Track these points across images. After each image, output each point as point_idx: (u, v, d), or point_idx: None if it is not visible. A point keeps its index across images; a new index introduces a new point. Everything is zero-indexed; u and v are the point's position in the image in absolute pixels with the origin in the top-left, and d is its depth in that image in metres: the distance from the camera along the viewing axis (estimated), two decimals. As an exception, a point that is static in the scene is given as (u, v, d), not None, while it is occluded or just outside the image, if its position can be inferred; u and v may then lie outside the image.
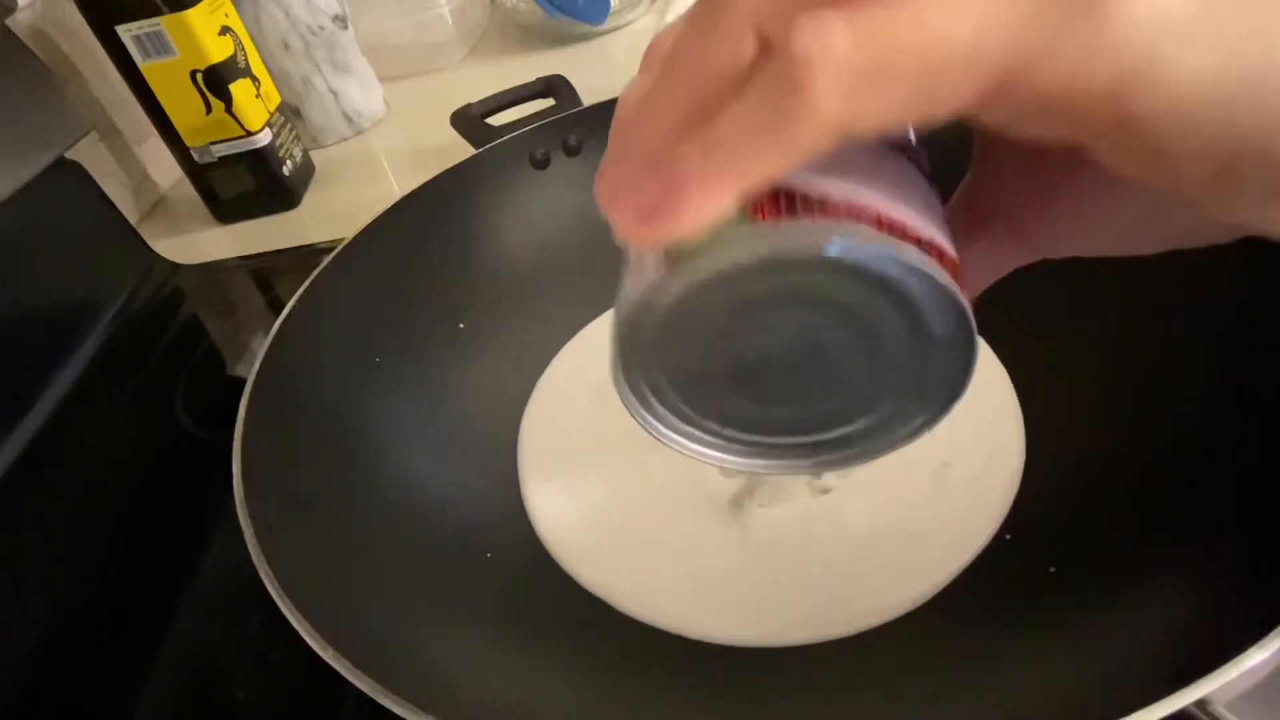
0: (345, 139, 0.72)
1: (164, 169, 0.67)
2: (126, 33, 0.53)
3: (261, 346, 0.33)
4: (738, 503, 0.34)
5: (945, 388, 0.16)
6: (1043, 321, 0.36)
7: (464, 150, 0.45)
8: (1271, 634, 0.19)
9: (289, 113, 0.65)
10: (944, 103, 0.12)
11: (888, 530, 0.32)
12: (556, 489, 0.37)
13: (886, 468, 0.33)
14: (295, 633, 0.23)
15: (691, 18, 0.13)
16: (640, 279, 0.15)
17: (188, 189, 0.62)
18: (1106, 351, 0.34)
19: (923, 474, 0.34)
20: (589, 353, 0.43)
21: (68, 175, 0.53)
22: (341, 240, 0.39)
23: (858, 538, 0.32)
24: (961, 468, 0.33)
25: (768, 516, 0.33)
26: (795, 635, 0.29)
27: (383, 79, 0.74)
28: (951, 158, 0.19)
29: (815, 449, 0.18)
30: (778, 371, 0.17)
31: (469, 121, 0.52)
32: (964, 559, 0.30)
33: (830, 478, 0.34)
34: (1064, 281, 0.36)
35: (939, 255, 0.15)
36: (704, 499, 0.35)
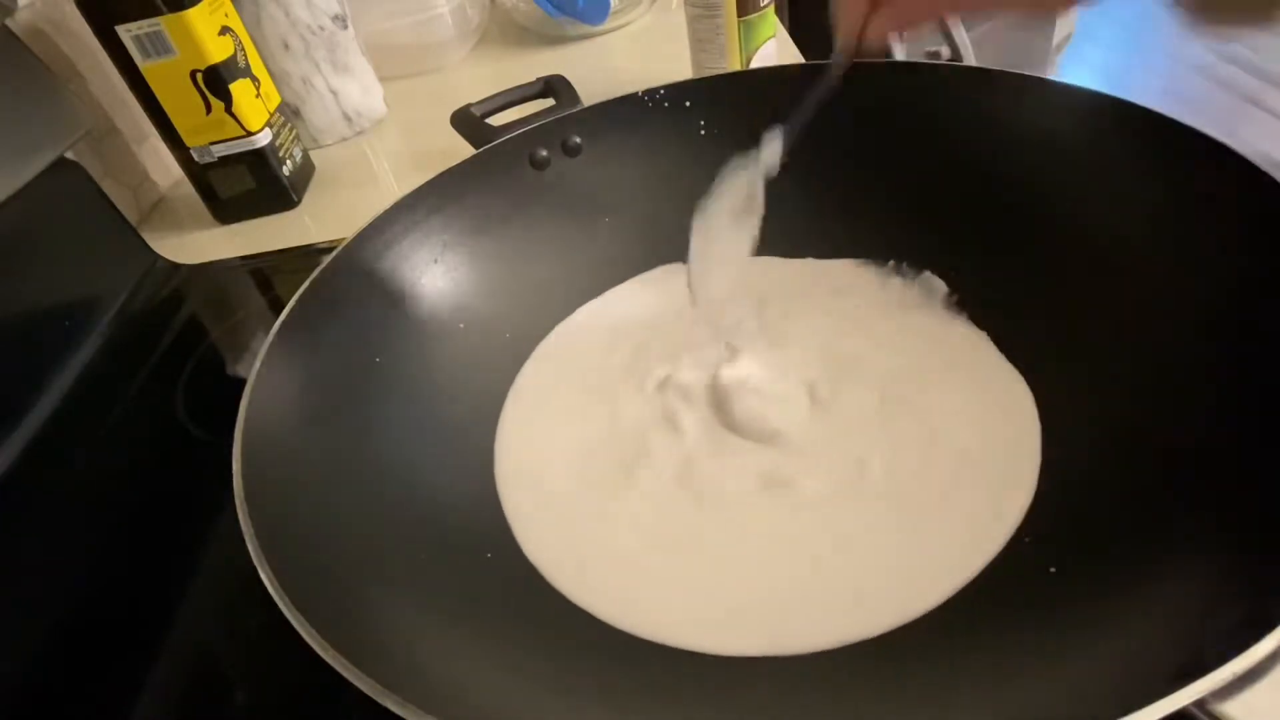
0: (345, 139, 0.72)
1: (164, 169, 0.67)
2: (126, 33, 0.53)
3: (261, 346, 0.33)
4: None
5: None
6: (1060, 335, 0.36)
7: (464, 150, 0.45)
8: (1271, 634, 0.19)
9: (289, 113, 0.65)
10: None
11: (890, 541, 0.32)
12: (531, 493, 0.36)
13: (899, 475, 0.33)
14: (295, 633, 0.23)
15: None
16: None
17: (188, 189, 0.62)
18: (1118, 359, 0.34)
19: (935, 482, 0.33)
20: (572, 343, 0.44)
21: (68, 175, 0.53)
22: (341, 240, 0.39)
23: (860, 548, 0.32)
24: (974, 478, 0.33)
25: (764, 523, 0.33)
26: (792, 645, 0.29)
27: (383, 79, 0.74)
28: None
29: None
30: None
31: (469, 121, 0.52)
32: (971, 571, 0.30)
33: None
34: (1079, 290, 0.37)
35: None
36: (695, 499, 0.35)
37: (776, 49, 0.63)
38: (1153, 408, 0.31)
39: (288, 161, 0.62)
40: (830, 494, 0.34)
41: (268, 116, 0.60)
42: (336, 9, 0.66)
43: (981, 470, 0.33)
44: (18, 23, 0.53)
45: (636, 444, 0.37)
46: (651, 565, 0.33)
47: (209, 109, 0.56)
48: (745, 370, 0.39)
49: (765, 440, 0.36)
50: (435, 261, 0.42)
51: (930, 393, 0.37)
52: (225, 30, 0.56)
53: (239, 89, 0.57)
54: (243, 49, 0.58)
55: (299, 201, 0.63)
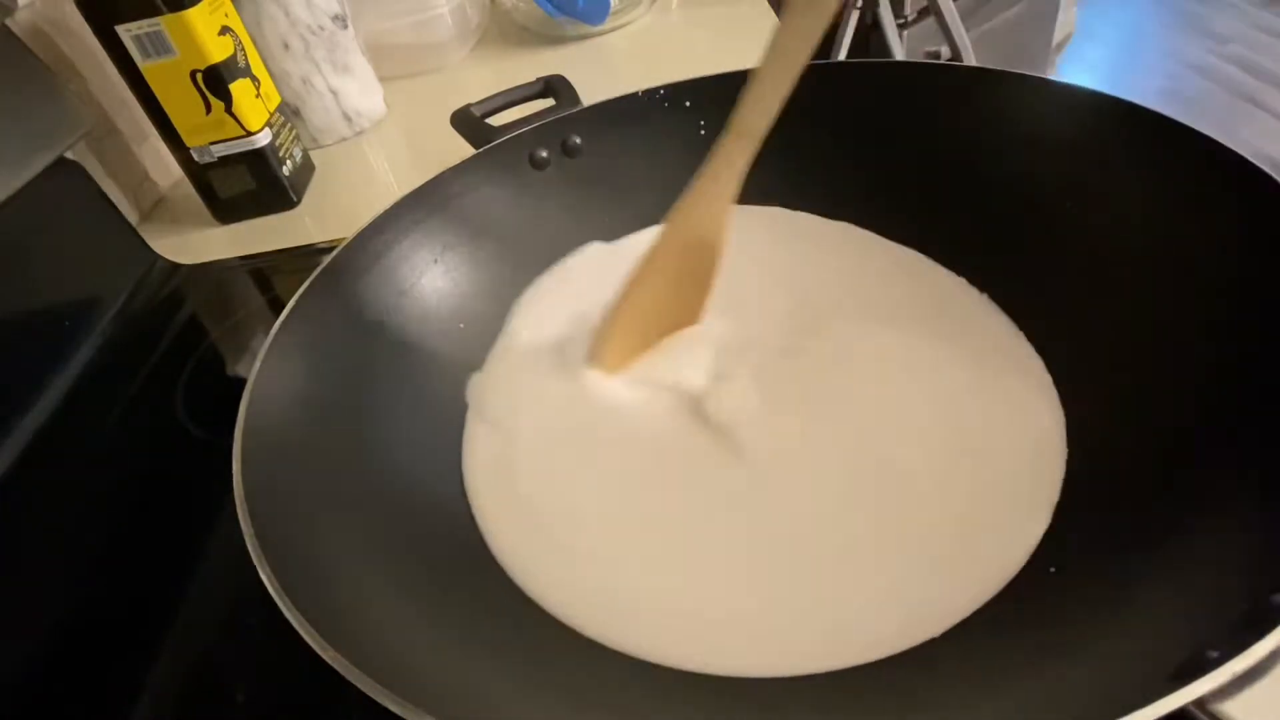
0: (345, 139, 0.72)
1: (164, 169, 0.67)
2: (126, 33, 0.53)
3: (261, 346, 0.33)
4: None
5: None
6: (1057, 334, 0.36)
7: (464, 150, 0.45)
8: (1271, 634, 0.19)
9: (289, 113, 0.65)
10: None
11: (904, 556, 0.31)
12: (505, 503, 0.35)
13: (911, 488, 0.32)
14: (295, 633, 0.23)
15: None
16: None
17: (188, 189, 0.62)
18: (1114, 360, 0.34)
19: (957, 495, 0.32)
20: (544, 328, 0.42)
21: (68, 175, 0.53)
22: (341, 240, 0.39)
23: (869, 563, 0.31)
24: (997, 490, 0.32)
25: (766, 539, 0.32)
26: (798, 665, 0.28)
27: (383, 79, 0.74)
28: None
29: None
30: None
31: (469, 121, 0.52)
32: (994, 588, 0.29)
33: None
34: (1077, 290, 0.36)
35: None
36: (684, 503, 0.34)
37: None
38: (1152, 410, 0.31)
39: (288, 161, 0.62)
40: (841, 494, 0.33)
41: (268, 116, 0.60)
42: (336, 9, 0.66)
43: (1004, 482, 0.32)
44: (18, 23, 0.53)
45: (621, 446, 0.36)
46: (647, 589, 0.31)
47: (209, 109, 0.56)
48: (726, 370, 0.38)
49: (754, 437, 0.35)
50: (435, 261, 0.42)
51: (934, 382, 0.36)
52: (225, 30, 0.56)
53: (239, 89, 0.57)
54: (243, 49, 0.58)
55: (299, 201, 0.63)
